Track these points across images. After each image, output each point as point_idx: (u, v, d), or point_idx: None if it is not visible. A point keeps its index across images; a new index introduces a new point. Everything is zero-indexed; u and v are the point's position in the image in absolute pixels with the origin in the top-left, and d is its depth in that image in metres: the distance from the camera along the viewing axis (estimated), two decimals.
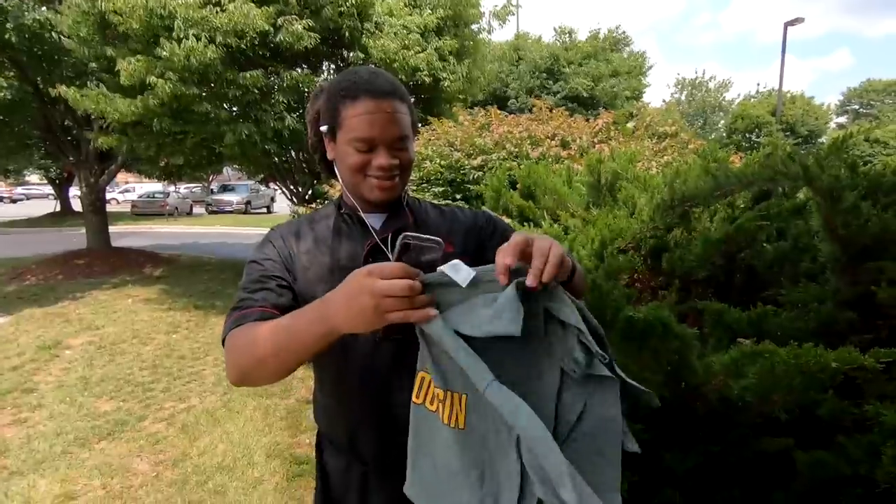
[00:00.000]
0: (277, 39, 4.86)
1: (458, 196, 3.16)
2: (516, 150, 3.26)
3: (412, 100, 1.02)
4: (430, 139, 3.61)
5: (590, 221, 2.31)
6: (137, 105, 4.93)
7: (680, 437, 1.31)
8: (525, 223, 2.64)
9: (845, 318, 1.45)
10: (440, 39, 5.71)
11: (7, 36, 6.06)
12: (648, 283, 2.32)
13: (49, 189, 26.04)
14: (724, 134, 26.01)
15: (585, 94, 14.13)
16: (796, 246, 1.80)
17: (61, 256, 9.63)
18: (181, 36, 4.56)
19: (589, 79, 14.35)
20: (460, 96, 7.26)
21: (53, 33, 5.87)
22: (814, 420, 1.32)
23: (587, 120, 4.13)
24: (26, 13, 6.06)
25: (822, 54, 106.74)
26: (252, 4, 4.58)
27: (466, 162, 3.19)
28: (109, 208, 11.17)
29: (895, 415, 1.13)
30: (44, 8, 6.12)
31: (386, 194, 0.95)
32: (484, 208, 1.07)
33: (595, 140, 3.58)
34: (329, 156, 0.99)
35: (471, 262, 0.90)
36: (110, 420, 3.47)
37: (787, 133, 22.84)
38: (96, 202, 9.41)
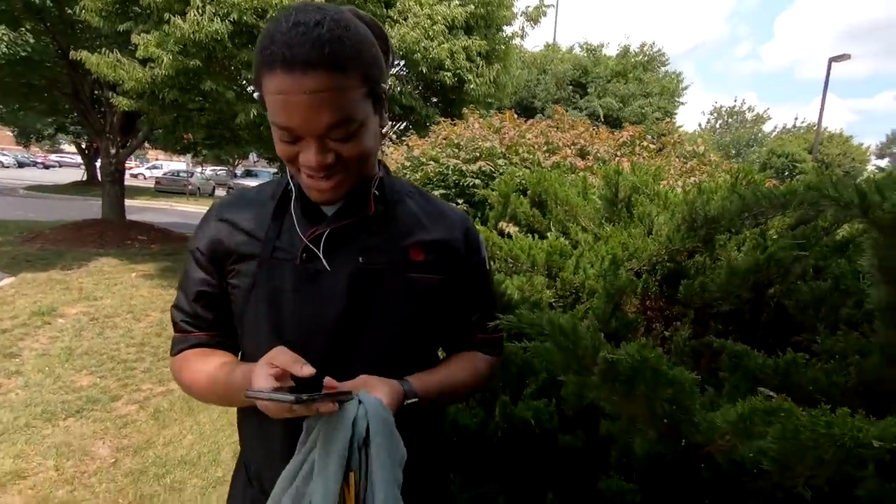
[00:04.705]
0: None
1: (460, 200, 2.95)
2: (530, 156, 3.04)
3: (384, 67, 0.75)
4: (436, 141, 3.43)
5: (602, 238, 2.09)
6: (147, 75, 4.89)
7: None
8: (532, 234, 2.44)
9: (894, 376, 1.21)
10: (469, 38, 5.53)
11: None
12: (662, 311, 2.08)
13: (81, 159, 26.60)
14: (757, 168, 25.28)
15: (613, 115, 13.77)
16: (837, 287, 1.55)
17: (76, 224, 9.69)
18: (198, 11, 4.48)
19: (617, 99, 13.96)
20: (487, 100, 7.08)
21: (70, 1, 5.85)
22: (850, 500, 1.08)
23: (612, 133, 3.90)
24: None
25: (864, 95, 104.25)
26: None
27: (465, 167, 2.98)
28: (137, 182, 11.30)
29: None
30: None
31: (323, 196, 0.76)
32: (475, 224, 0.88)
33: (617, 153, 3.35)
34: None
35: (440, 280, 0.84)
36: (83, 396, 3.34)
37: (823, 172, 22.11)
38: (115, 173, 9.45)
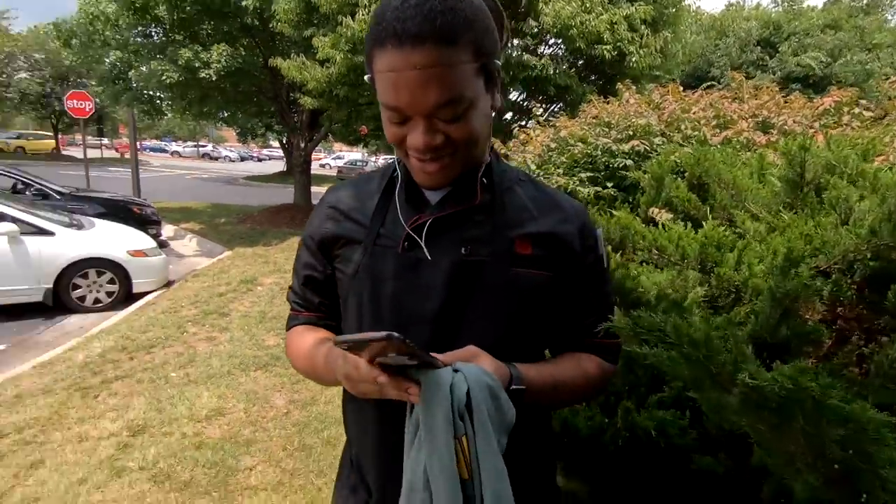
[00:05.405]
0: None
1: (609, 184, 2.72)
2: (695, 133, 2.66)
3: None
4: (585, 120, 3.20)
5: (777, 228, 1.74)
6: (324, 74, 5.50)
7: None
8: (689, 222, 2.14)
9: None
10: (632, 5, 5.05)
11: (248, 20, 7.33)
12: (860, 322, 1.67)
13: (283, 152, 31.44)
14: None
15: (818, 73, 11.09)
16: None
17: (275, 208, 11.52)
18: (365, 10, 4.87)
19: (824, 52, 11.22)
20: (654, 72, 6.42)
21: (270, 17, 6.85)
22: None
23: (810, 100, 3.20)
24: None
25: None
26: None
27: (615, 146, 2.71)
28: (324, 171, 12.97)
29: None
30: None
31: (430, 180, 0.73)
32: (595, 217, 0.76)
33: (815, 124, 2.74)
34: None
35: (549, 278, 0.78)
36: (269, 354, 3.96)
37: None
38: (304, 164, 10.96)
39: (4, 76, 23.14)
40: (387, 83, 0.64)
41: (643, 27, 5.25)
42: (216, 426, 2.88)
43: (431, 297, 0.74)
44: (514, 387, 0.69)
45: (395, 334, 0.57)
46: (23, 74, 23.88)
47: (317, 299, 0.89)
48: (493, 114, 0.77)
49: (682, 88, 3.56)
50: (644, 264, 1.90)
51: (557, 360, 0.83)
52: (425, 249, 0.75)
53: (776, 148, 2.40)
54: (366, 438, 0.82)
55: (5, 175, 7.48)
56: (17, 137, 28.84)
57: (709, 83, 5.24)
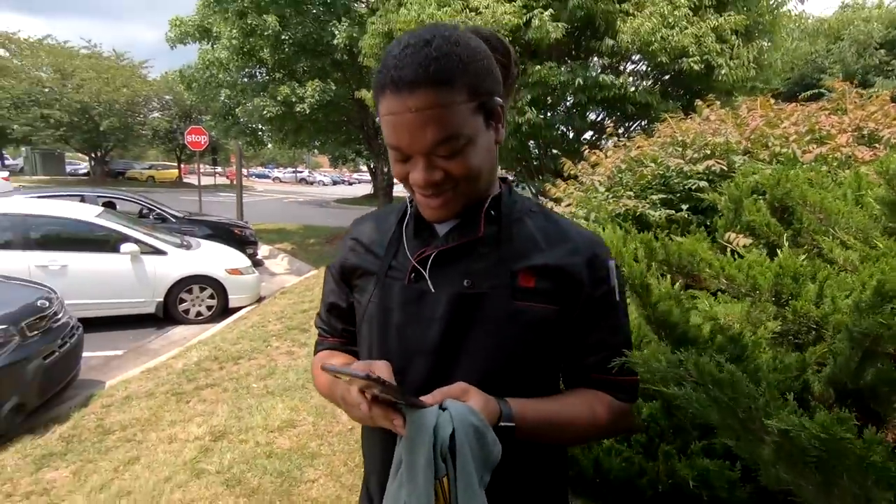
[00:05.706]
0: (527, 37, 4.87)
1: (684, 206, 2.54)
2: (783, 150, 2.41)
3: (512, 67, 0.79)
4: (662, 140, 3.03)
5: (871, 258, 1.53)
6: None
7: None
8: (766, 248, 1.94)
9: None
10: (721, 16, 4.75)
11: (338, 56, 7.91)
12: None
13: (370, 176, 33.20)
14: None
15: None
16: None
17: None
18: None
19: None
20: (750, 85, 5.96)
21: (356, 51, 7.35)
22: None
23: None
24: (342, 31, 7.73)
25: None
26: (502, 3, 4.70)
27: (687, 167, 2.53)
28: (406, 193, 13.56)
29: None
30: (356, 27, 7.76)
31: (434, 214, 0.76)
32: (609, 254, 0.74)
33: None
34: None
35: (555, 312, 0.75)
36: None
37: None
38: (387, 187, 11.48)
39: (141, 116, 26.88)
40: (388, 125, 0.68)
41: (734, 38, 4.91)
42: (286, 437, 3.04)
43: (432, 329, 0.75)
44: (502, 423, 0.67)
45: (375, 375, 0.59)
46: (155, 114, 27.60)
47: (340, 325, 0.93)
48: (497, 147, 0.78)
49: (775, 101, 3.27)
50: (720, 293, 1.75)
51: (563, 397, 0.80)
52: (429, 281, 0.77)
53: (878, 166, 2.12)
54: (373, 458, 0.84)
55: (134, 202, 8.60)
56: (149, 168, 33.39)
57: (816, 91, 4.76)
